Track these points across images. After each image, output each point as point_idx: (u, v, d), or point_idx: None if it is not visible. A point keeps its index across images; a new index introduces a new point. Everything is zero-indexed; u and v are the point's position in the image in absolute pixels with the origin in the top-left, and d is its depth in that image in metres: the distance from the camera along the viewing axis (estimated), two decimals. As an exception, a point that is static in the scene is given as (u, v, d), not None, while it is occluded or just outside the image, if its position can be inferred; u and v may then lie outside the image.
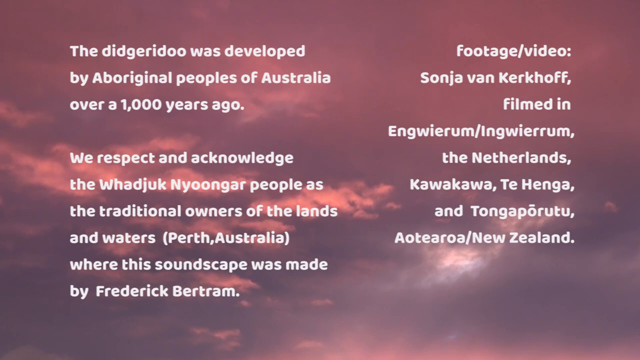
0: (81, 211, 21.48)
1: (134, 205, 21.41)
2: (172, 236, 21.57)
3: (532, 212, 22.57)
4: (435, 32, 21.61)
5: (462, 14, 21.39)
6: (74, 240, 21.50)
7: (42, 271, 21.77)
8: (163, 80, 21.44)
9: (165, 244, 21.55)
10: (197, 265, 21.69)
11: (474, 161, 22.09)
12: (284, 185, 21.78)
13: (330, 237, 22.21)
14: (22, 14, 20.89)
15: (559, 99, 21.72)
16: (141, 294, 21.43)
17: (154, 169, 21.66)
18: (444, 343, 22.45)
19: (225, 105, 21.81)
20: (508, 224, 22.78)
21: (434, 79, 21.41)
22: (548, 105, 21.68)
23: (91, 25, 21.21)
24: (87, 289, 21.26)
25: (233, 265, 21.90)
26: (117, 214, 21.37)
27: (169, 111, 21.63)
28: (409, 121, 21.66)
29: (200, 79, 21.54)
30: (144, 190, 21.58)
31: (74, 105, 21.48)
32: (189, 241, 21.65)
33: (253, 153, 22.14)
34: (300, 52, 21.67)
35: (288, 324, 22.24)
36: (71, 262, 21.53)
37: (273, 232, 21.81)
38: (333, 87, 21.95)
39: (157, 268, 21.50)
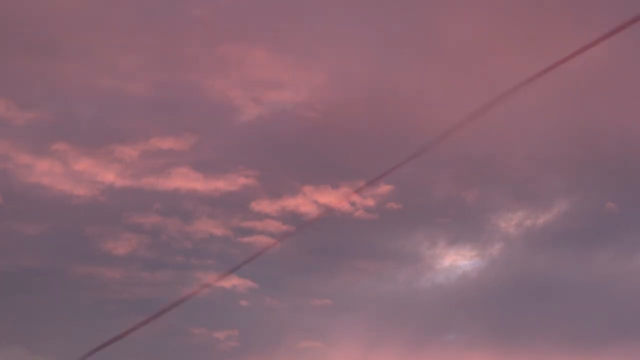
0: (80, 210, 21.47)
1: (133, 205, 21.38)
2: (172, 236, 21.57)
3: (532, 212, 22.64)
4: (437, 31, 21.61)
5: (464, 13, 21.39)
6: (72, 239, 21.49)
7: (41, 270, 21.72)
8: (163, 79, 21.43)
9: (165, 243, 21.55)
10: (197, 265, 21.71)
11: (474, 161, 22.17)
12: (284, 185, 21.79)
13: (330, 237, 22.22)
14: (22, 12, 20.88)
15: (559, 99, 21.80)
16: (141, 294, 21.43)
17: (153, 168, 21.61)
18: (443, 343, 22.45)
19: (225, 104, 21.81)
20: (507, 223, 22.82)
21: (435, 78, 21.45)
22: (548, 105, 21.75)
23: (91, 24, 21.18)
24: (85, 289, 21.26)
25: (232, 265, 21.88)
26: (116, 213, 21.35)
27: (168, 110, 21.63)
28: (409, 121, 21.68)
29: (200, 78, 21.52)
30: (144, 190, 21.56)
31: (74, 104, 21.45)
32: (188, 241, 21.66)
33: (253, 152, 22.13)
34: (301, 51, 21.67)
35: (287, 324, 22.22)
36: (70, 261, 21.52)
37: (273, 231, 21.81)
38: (333, 87, 21.92)
39: (156, 268, 21.51)
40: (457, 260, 22.91)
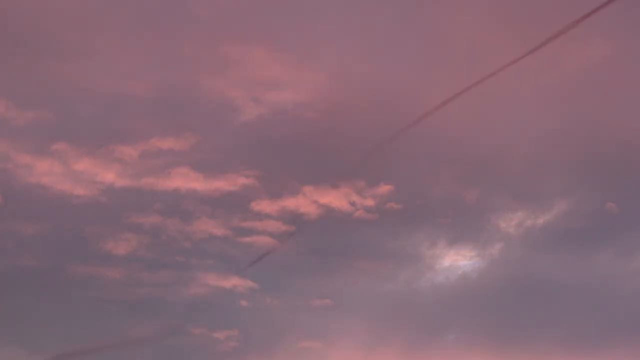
0: (81, 210, 21.46)
1: (133, 205, 21.38)
2: (172, 236, 21.57)
3: (532, 212, 22.64)
4: (437, 31, 21.62)
5: (464, 13, 21.40)
6: (72, 239, 21.49)
7: (41, 270, 21.70)
8: (163, 79, 21.42)
9: (165, 243, 21.55)
10: (197, 265, 21.72)
11: (474, 161, 22.17)
12: (284, 185, 21.78)
13: (330, 237, 22.22)
14: (22, 12, 20.85)
15: (559, 98, 21.81)
16: (141, 294, 21.44)
17: (153, 168, 21.61)
18: (443, 343, 22.45)
19: (225, 104, 21.80)
20: (507, 223, 22.82)
21: (435, 78, 21.44)
22: (548, 105, 21.75)
23: (91, 24, 21.16)
24: (85, 289, 21.27)
25: (232, 265, 21.94)
26: (116, 213, 21.34)
27: (168, 110, 21.62)
28: (410, 121, 21.65)
29: (200, 78, 21.52)
30: (144, 190, 21.55)
31: (74, 104, 21.44)
32: (188, 241, 21.65)
33: (253, 152, 22.13)
34: (301, 51, 21.66)
35: (287, 324, 22.21)
36: (70, 262, 21.52)
37: (273, 231, 21.82)
38: (333, 87, 21.92)
39: (156, 268, 21.51)
40: (457, 261, 22.89)
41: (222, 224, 21.55)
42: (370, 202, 21.98)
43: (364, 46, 22.23)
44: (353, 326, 22.06)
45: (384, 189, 22.06)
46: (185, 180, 21.50)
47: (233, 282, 21.57)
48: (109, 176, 21.32)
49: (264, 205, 21.66)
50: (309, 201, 21.73)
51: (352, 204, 21.94)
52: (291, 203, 21.68)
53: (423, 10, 21.65)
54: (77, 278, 21.09)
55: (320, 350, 21.80)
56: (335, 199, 21.83)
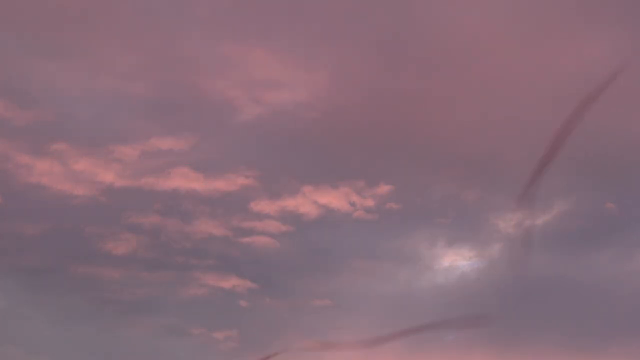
0: (80, 210, 21.44)
1: (133, 205, 21.35)
2: (172, 236, 21.55)
3: (531, 212, 22.61)
4: (438, 31, 21.60)
5: (464, 13, 21.37)
6: (72, 239, 21.46)
7: (41, 270, 21.67)
8: (163, 79, 21.40)
9: (165, 243, 21.53)
10: (197, 265, 21.71)
11: (474, 161, 22.14)
12: (284, 185, 21.76)
13: (330, 237, 22.21)
14: (22, 12, 20.84)
15: (558, 99, 21.78)
16: (140, 294, 21.43)
17: (153, 168, 21.58)
18: (442, 343, 22.45)
19: (225, 104, 21.77)
20: (507, 223, 22.81)
21: (435, 78, 21.42)
22: (548, 105, 21.73)
23: (91, 24, 21.16)
24: (85, 289, 21.24)
25: (232, 265, 21.93)
26: (116, 213, 21.33)
27: (168, 110, 21.60)
28: (410, 121, 21.67)
29: (200, 78, 21.48)
30: (144, 189, 21.53)
31: (74, 104, 21.43)
32: (188, 241, 21.64)
33: (253, 152, 22.08)
34: (301, 51, 21.62)
35: (287, 324, 22.23)
36: (70, 261, 21.50)
37: (273, 231, 21.81)
38: (334, 87, 21.89)
39: (156, 268, 21.49)
40: (457, 261, 22.89)
41: (222, 224, 21.56)
42: (370, 202, 21.98)
43: (364, 46, 22.22)
44: (353, 326, 22.05)
45: (384, 189, 22.06)
46: (184, 180, 21.51)
47: (232, 282, 21.58)
48: (109, 176, 21.32)
49: (264, 205, 21.67)
50: (308, 201, 21.74)
51: (352, 204, 21.95)
52: (291, 203, 21.69)
53: (424, 9, 21.63)
54: (77, 278, 21.10)
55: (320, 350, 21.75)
56: (335, 199, 21.84)
